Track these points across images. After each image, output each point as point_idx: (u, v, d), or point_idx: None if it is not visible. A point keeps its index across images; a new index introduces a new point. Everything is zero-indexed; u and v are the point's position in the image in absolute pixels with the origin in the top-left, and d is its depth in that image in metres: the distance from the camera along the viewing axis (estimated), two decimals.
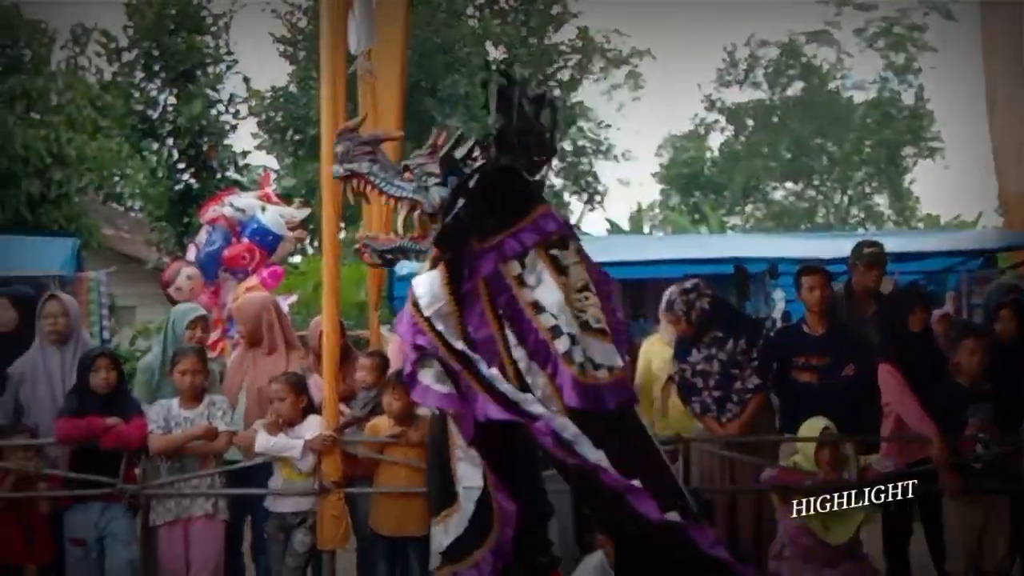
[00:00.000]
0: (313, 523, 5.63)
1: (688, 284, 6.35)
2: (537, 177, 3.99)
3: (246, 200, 8.82)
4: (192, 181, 13.86)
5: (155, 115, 13.99)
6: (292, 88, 24.19)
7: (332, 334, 5.64)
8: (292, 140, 23.89)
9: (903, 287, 7.76)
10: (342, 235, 20.50)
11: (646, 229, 28.63)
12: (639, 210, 29.43)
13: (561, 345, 3.71)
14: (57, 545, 5.64)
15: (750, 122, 35.07)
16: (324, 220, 5.84)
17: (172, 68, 13.64)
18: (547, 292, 3.77)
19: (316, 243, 19.57)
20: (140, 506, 5.67)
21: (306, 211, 9.14)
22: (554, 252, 3.87)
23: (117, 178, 15.65)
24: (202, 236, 9.14)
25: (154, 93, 14.12)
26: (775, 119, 34.26)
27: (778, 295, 10.36)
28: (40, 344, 6.00)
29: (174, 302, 7.68)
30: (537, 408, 3.72)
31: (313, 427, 5.67)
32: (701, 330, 6.19)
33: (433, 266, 3.94)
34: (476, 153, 3.83)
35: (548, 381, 3.77)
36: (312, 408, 5.81)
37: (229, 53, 14.29)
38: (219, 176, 13.85)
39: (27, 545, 5.56)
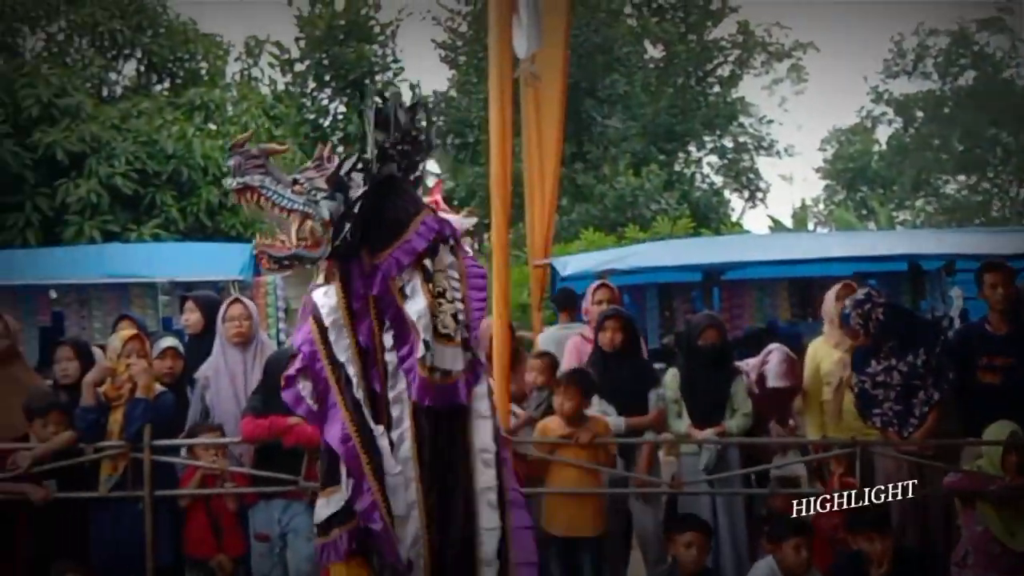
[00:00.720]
0: None
1: (860, 295, 6.18)
2: (418, 173, 4.24)
3: None
4: None
5: (326, 123, 14.40)
6: (452, 93, 24.57)
7: (503, 336, 5.72)
8: (453, 144, 24.26)
9: None
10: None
11: (810, 226, 27.97)
12: (803, 206, 28.79)
13: (419, 350, 3.92)
14: (245, 539, 5.87)
15: (919, 114, 33.87)
16: (493, 223, 5.93)
17: (342, 77, 14.03)
18: (417, 301, 3.96)
19: (477, 246, 19.86)
20: None
21: (473, 220, 9.24)
22: (426, 261, 4.05)
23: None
24: None
25: (325, 102, 14.54)
26: (946, 110, 32.99)
27: (955, 293, 10.01)
28: (222, 346, 6.24)
29: None
30: (383, 442, 3.96)
31: None
32: (879, 340, 6.01)
33: (327, 278, 4.09)
34: (359, 167, 3.97)
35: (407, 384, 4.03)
36: None
37: (396, 60, 14.62)
38: None
39: (217, 539, 5.81)
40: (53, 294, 10.15)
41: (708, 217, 22.79)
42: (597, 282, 7.30)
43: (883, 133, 34.18)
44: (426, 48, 26.25)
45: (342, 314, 3.99)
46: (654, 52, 26.75)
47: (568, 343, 7.18)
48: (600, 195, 21.33)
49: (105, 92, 15.92)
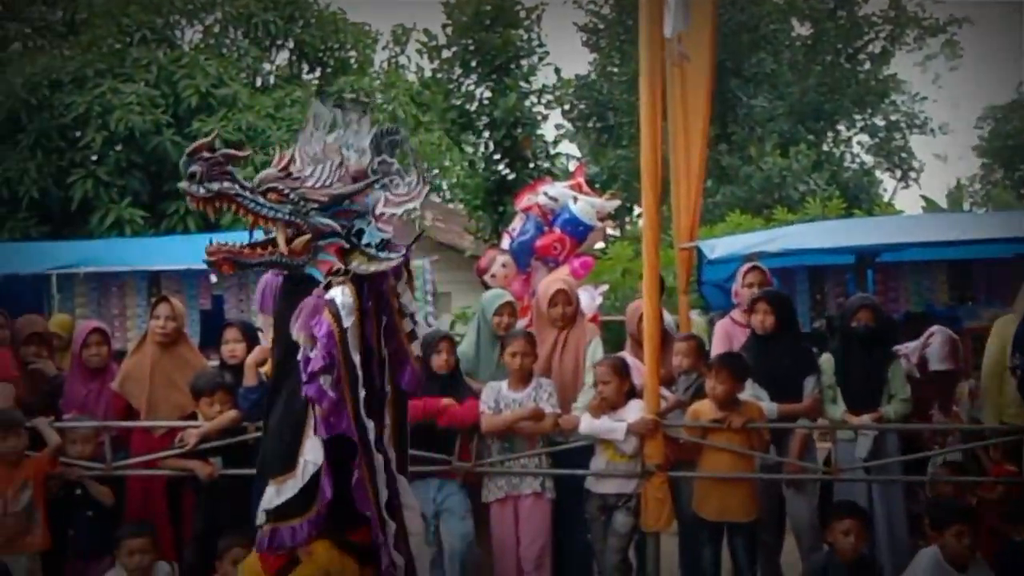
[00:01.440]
0: (635, 505, 5.71)
1: None
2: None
3: (559, 189, 8.96)
4: (506, 171, 14.29)
5: (472, 109, 14.52)
6: (593, 76, 24.49)
7: (653, 319, 5.68)
8: (595, 128, 24.19)
9: None
10: (642, 221, 20.63)
11: (966, 206, 26.94)
12: (958, 186, 27.72)
13: (415, 348, 4.36)
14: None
15: None
16: (644, 205, 5.88)
17: (488, 63, 14.10)
18: (407, 299, 4.34)
19: (618, 230, 19.78)
20: (473, 483, 5.93)
21: (616, 203, 9.21)
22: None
23: (436, 171, 16.40)
24: (516, 224, 9.39)
25: (471, 87, 14.66)
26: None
27: None
28: None
29: (488, 288, 7.94)
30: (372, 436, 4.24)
31: (635, 411, 5.74)
32: None
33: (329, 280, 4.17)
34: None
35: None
36: (634, 392, 5.88)
37: (541, 45, 14.62)
38: (532, 166, 14.20)
39: None
40: (213, 278, 10.50)
41: (858, 198, 22.19)
42: (748, 264, 7.16)
43: None
44: (568, 32, 26.16)
45: (355, 316, 4.09)
46: (801, 29, 26.15)
47: (717, 326, 7.09)
48: (746, 177, 20.98)
49: (259, 82, 16.37)
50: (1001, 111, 32.78)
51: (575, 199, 8.88)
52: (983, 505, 5.68)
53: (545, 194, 8.98)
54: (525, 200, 9.29)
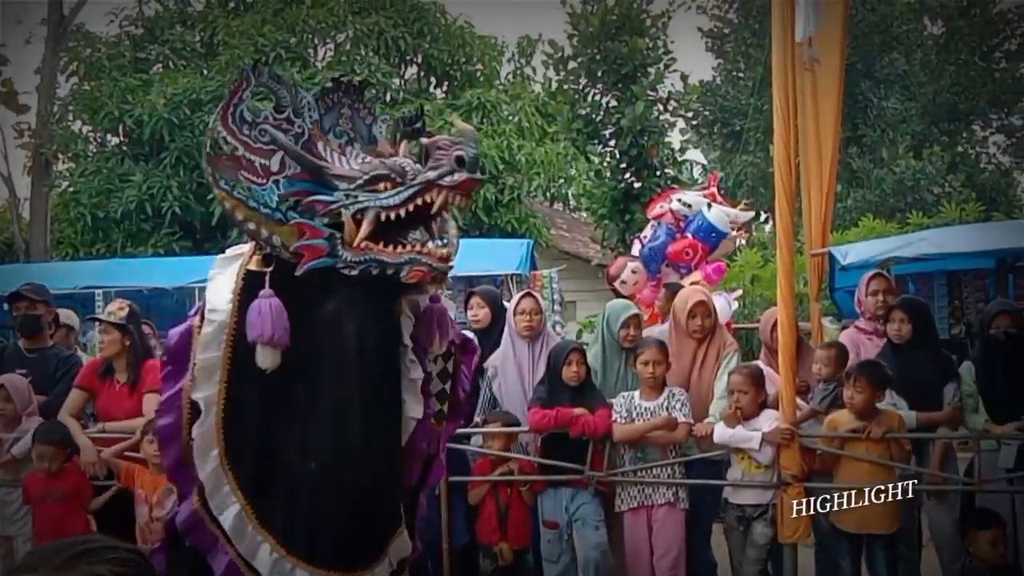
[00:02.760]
0: (773, 516, 5.65)
1: None
2: None
3: (693, 197, 8.98)
4: (633, 180, 14.30)
5: (598, 118, 14.56)
6: (718, 81, 24.28)
7: (788, 327, 5.62)
8: (720, 133, 23.98)
9: None
10: (767, 227, 20.26)
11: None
12: None
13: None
14: (532, 529, 6.05)
15: None
16: (777, 211, 5.82)
17: (614, 71, 14.12)
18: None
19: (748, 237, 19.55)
20: (607, 492, 5.95)
21: (750, 214, 9.18)
22: None
23: (561, 180, 16.48)
24: (647, 232, 9.42)
25: (597, 97, 14.70)
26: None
27: None
28: (511, 338, 6.43)
29: (619, 295, 7.94)
30: None
31: (769, 420, 5.69)
32: None
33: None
34: None
35: None
36: (767, 402, 5.83)
37: (667, 52, 14.59)
38: (658, 174, 14.17)
39: (502, 527, 6.01)
40: None
41: (996, 200, 21.50)
42: (871, 272, 7.04)
43: None
44: (692, 37, 26.02)
45: None
46: (933, 28, 25.49)
47: (842, 336, 6.99)
48: (878, 180, 20.52)
49: (388, 97, 16.71)
50: None
51: (709, 206, 8.86)
52: None
53: (679, 200, 8.99)
54: (657, 208, 9.32)
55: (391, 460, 3.33)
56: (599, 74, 14.34)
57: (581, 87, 14.74)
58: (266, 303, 3.09)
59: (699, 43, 25.23)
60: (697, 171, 26.15)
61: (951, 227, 13.53)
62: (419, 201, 3.11)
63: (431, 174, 3.04)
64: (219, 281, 3.27)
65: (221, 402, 3.15)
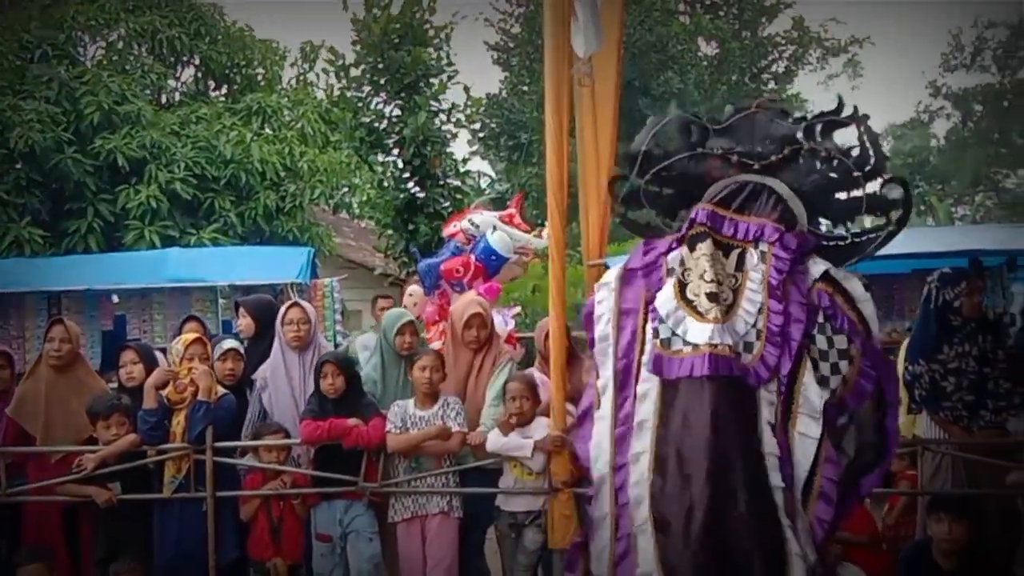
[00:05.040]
0: (544, 522, 5.71)
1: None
2: None
3: (484, 218, 9.06)
4: (416, 189, 14.29)
5: (381, 127, 14.49)
6: (504, 94, 24.62)
7: (559, 335, 5.69)
8: (505, 145, 24.30)
9: None
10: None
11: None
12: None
13: None
14: (305, 543, 5.92)
15: (978, 108, 33.38)
16: (550, 224, 5.92)
17: (397, 81, 14.10)
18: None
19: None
20: (380, 503, 5.89)
21: (545, 242, 9.31)
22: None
23: (345, 188, 16.30)
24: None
25: (380, 106, 14.63)
26: (1005, 103, 32.48)
27: (1017, 290, 9.83)
28: (281, 349, 6.28)
29: None
30: None
31: (542, 428, 5.75)
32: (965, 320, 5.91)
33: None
34: None
35: None
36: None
37: (450, 64, 14.66)
38: (442, 184, 14.22)
39: (275, 541, 5.86)
40: (115, 298, 10.33)
41: None
42: None
43: (941, 127, 33.77)
44: (478, 50, 26.35)
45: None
46: (708, 49, 26.64)
47: None
48: None
49: (164, 99, 16.11)
50: (900, 129, 33.79)
51: (494, 228, 8.93)
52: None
53: (470, 221, 9.05)
54: (451, 227, 9.35)
55: None
56: (382, 83, 14.29)
57: (364, 95, 14.65)
58: None
59: (486, 56, 25.56)
60: (484, 182, 26.61)
61: None
62: None
63: None
64: None
65: None
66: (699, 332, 3.81)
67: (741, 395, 3.76)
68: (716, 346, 3.76)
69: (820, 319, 3.79)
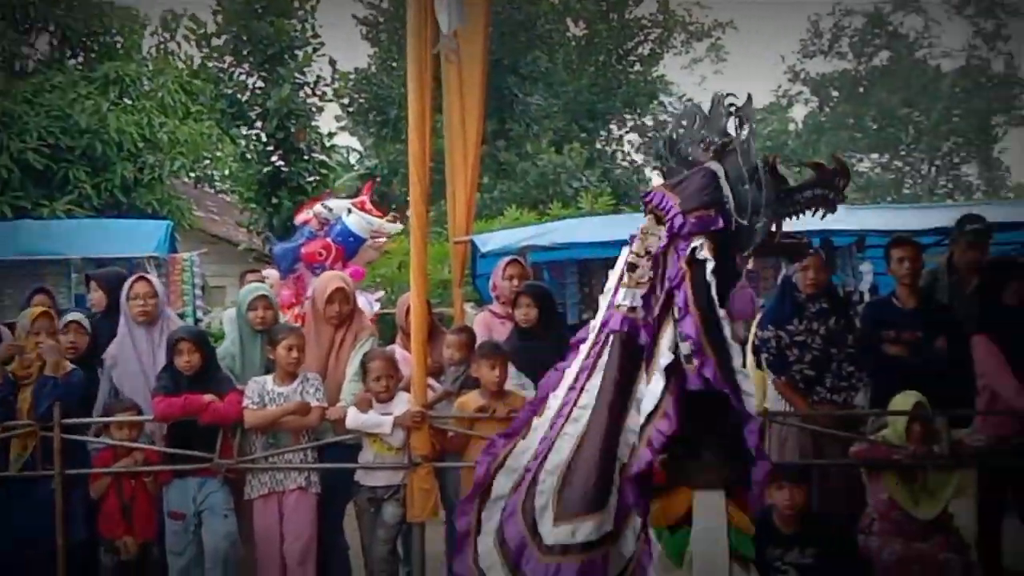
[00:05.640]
0: (403, 497, 5.74)
1: None
2: None
3: (337, 203, 9.08)
4: (280, 163, 14.06)
5: (244, 99, 14.21)
6: (373, 69, 24.37)
7: (420, 311, 5.71)
8: (375, 121, 24.06)
9: (998, 259, 7.58)
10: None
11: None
12: None
13: None
14: (157, 519, 5.82)
15: (835, 93, 34.54)
16: (412, 200, 5.91)
17: (260, 52, 13.84)
18: None
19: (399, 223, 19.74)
20: (236, 479, 5.82)
21: (398, 227, 9.34)
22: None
23: (207, 161, 15.96)
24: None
25: (243, 77, 14.34)
26: (860, 89, 33.67)
27: (865, 268, 10.20)
28: (128, 325, 6.14)
29: None
30: None
31: (402, 403, 5.77)
32: (814, 298, 6.11)
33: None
34: None
35: None
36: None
37: (315, 36, 14.45)
38: (307, 158, 14.02)
39: (127, 520, 5.74)
40: None
41: (629, 195, 22.94)
42: (507, 258, 7.32)
43: (799, 112, 34.79)
44: (348, 24, 25.98)
45: None
46: (576, 30, 26.82)
47: (477, 319, 7.23)
48: (523, 172, 21.35)
49: (17, 66, 15.49)
50: (760, 113, 34.64)
51: (349, 211, 8.95)
52: None
53: (323, 205, 9.07)
54: (303, 214, 9.34)
55: None
56: (245, 53, 14.01)
57: (226, 66, 14.33)
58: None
59: (356, 30, 25.21)
60: (353, 158, 26.31)
61: (583, 218, 14.31)
62: None
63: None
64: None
65: None
66: (620, 296, 4.35)
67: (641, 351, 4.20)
68: (620, 307, 4.31)
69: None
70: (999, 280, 6.00)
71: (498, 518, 4.56)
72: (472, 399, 5.91)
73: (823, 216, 4.05)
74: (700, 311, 3.87)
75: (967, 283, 6.58)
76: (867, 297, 9.22)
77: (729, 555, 3.94)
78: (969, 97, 32.55)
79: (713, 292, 3.91)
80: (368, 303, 8.93)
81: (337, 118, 25.02)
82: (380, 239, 9.33)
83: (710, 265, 3.92)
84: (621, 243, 9.81)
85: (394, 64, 24.10)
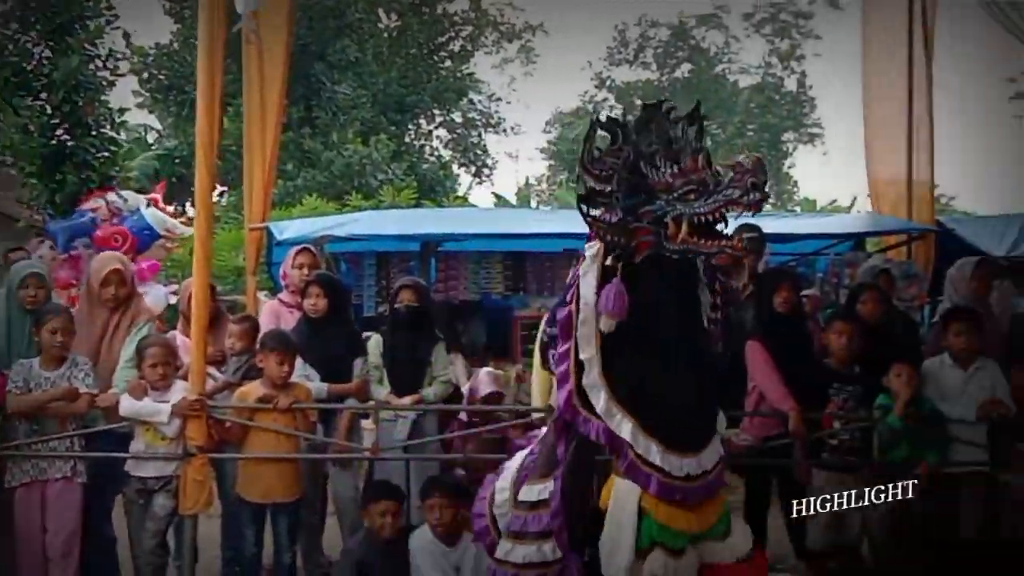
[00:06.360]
0: (175, 488, 5.55)
1: None
2: None
3: (133, 196, 8.87)
4: (66, 138, 13.37)
5: (29, 68, 13.46)
6: (176, 46, 23.61)
7: (202, 297, 5.54)
8: (175, 100, 23.32)
9: (773, 268, 7.94)
10: (224, 200, 20.14)
11: (533, 204, 28.78)
12: (526, 185, 29.49)
13: None
14: None
15: (638, 102, 35.45)
16: (197, 182, 5.71)
17: (49, 20, 13.13)
18: None
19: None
20: None
21: (189, 230, 9.17)
22: None
23: None
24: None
25: (29, 45, 13.58)
26: (663, 100, 34.70)
27: None
28: None
29: None
30: None
31: (179, 392, 5.59)
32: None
33: None
34: None
35: None
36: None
37: (109, 8, 13.81)
38: (95, 133, 13.38)
39: None
40: None
41: (435, 190, 23.00)
42: (298, 247, 7.21)
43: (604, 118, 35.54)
44: None
45: None
46: (388, 21, 26.68)
47: (265, 307, 7.09)
48: (327, 162, 21.10)
49: None
50: (567, 117, 35.37)
51: (148, 204, 8.76)
52: None
53: (118, 195, 8.86)
54: (93, 200, 9.05)
55: (709, 369, 4.37)
56: (32, 20, 13.28)
57: (11, 32, 13.54)
58: (616, 288, 4.15)
59: (158, 5, 24.37)
60: (151, 136, 25.39)
61: (383, 211, 14.27)
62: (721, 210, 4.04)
63: (735, 193, 3.98)
64: (588, 277, 4.27)
65: (598, 358, 4.24)
66: None
67: None
68: None
69: None
70: (771, 287, 6.26)
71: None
72: (254, 389, 5.79)
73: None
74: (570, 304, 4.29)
75: (744, 288, 6.86)
76: None
77: (639, 544, 4.15)
78: (763, 113, 34.02)
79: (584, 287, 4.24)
80: (164, 296, 8.72)
81: (136, 94, 24.13)
82: (171, 240, 9.20)
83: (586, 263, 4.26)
84: (420, 237, 9.95)
85: (196, 41, 23.41)
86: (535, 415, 6.03)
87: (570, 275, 5.41)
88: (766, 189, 4.05)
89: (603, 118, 4.42)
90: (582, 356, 4.32)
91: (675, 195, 4.15)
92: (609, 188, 4.33)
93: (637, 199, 4.25)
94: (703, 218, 4.09)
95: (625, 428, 4.23)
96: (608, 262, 4.27)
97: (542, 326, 6.56)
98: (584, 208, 4.33)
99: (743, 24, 35.36)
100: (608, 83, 35.74)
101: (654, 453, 4.22)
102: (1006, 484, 5.67)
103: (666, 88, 34.84)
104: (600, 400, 4.26)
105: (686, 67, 35.20)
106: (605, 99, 35.90)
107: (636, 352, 4.27)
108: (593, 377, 4.29)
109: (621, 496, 4.23)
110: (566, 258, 9.01)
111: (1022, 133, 27.22)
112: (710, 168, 4.12)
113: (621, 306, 4.20)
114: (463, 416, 6.55)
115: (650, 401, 4.24)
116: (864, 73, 10.46)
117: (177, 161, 22.25)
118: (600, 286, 4.26)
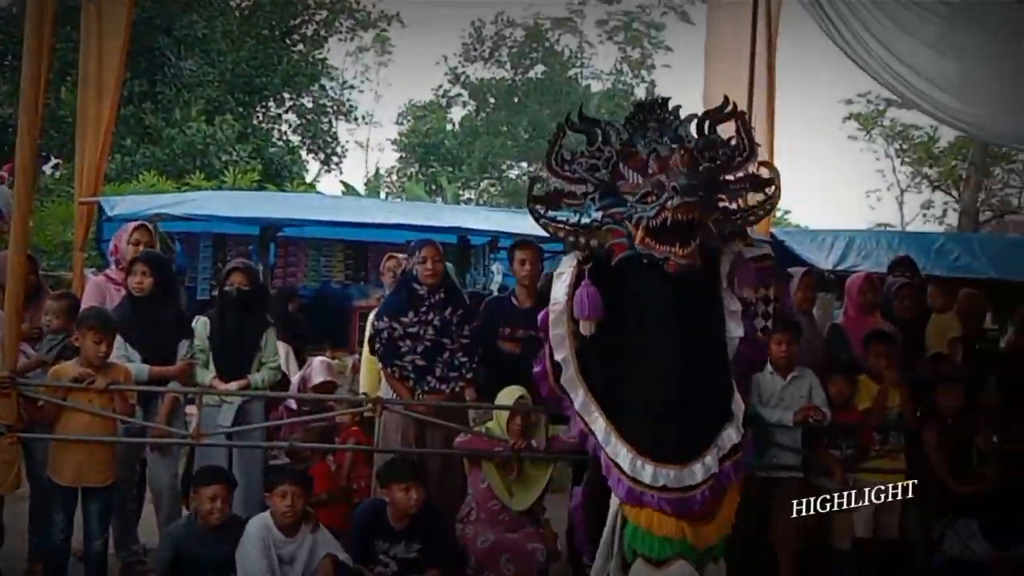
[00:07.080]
0: None
1: None
2: None
3: None
4: None
5: None
6: (15, 11, 22.58)
7: (17, 270, 5.33)
8: (11, 66, 22.30)
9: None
10: (58, 173, 19.33)
11: (382, 195, 28.56)
12: (376, 175, 29.24)
13: None
14: None
15: (492, 99, 35.64)
16: (18, 150, 5.50)
17: None
18: None
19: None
20: None
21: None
22: None
23: None
24: None
25: None
26: (516, 99, 34.94)
27: (496, 268, 10.61)
28: None
29: None
30: None
31: None
32: (433, 289, 6.17)
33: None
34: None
35: None
36: None
37: None
38: None
39: None
40: None
41: (281, 175, 22.59)
42: (135, 223, 6.98)
43: (457, 113, 35.51)
44: None
45: None
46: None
47: (90, 282, 6.86)
48: (169, 139, 20.50)
49: None
50: (420, 110, 35.22)
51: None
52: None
53: None
54: None
55: (713, 373, 4.42)
56: None
57: None
58: (584, 290, 4.33)
59: None
60: None
61: (222, 192, 13.96)
62: (664, 215, 4.21)
63: (666, 197, 4.19)
64: (560, 280, 4.47)
65: (574, 359, 4.43)
66: None
67: None
68: None
69: None
70: None
71: None
72: (69, 368, 5.56)
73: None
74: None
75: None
76: (496, 294, 9.58)
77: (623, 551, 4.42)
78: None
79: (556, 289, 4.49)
80: None
81: None
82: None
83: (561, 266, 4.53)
84: (260, 221, 9.78)
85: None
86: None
87: (541, 279, 6.09)
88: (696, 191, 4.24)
89: (574, 118, 4.74)
90: (556, 357, 4.49)
91: (636, 197, 4.35)
92: (583, 189, 4.56)
93: (610, 200, 4.45)
94: (654, 222, 4.26)
95: (599, 426, 4.40)
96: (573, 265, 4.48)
97: (371, 317, 6.53)
98: (540, 209, 4.51)
99: (597, 31, 35.87)
100: (462, 79, 35.73)
101: (623, 456, 4.33)
102: (818, 487, 5.91)
103: (519, 88, 35.08)
104: (578, 397, 4.43)
105: (540, 68, 35.47)
106: (459, 94, 35.87)
107: (607, 355, 4.42)
108: (570, 375, 4.46)
109: (614, 504, 4.43)
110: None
111: (856, 152, 28.49)
112: (689, 168, 4.29)
113: (594, 307, 4.39)
114: (291, 404, 6.46)
115: (622, 405, 4.39)
116: (707, 85, 10.71)
117: (11, 130, 21.25)
118: (573, 289, 4.45)
